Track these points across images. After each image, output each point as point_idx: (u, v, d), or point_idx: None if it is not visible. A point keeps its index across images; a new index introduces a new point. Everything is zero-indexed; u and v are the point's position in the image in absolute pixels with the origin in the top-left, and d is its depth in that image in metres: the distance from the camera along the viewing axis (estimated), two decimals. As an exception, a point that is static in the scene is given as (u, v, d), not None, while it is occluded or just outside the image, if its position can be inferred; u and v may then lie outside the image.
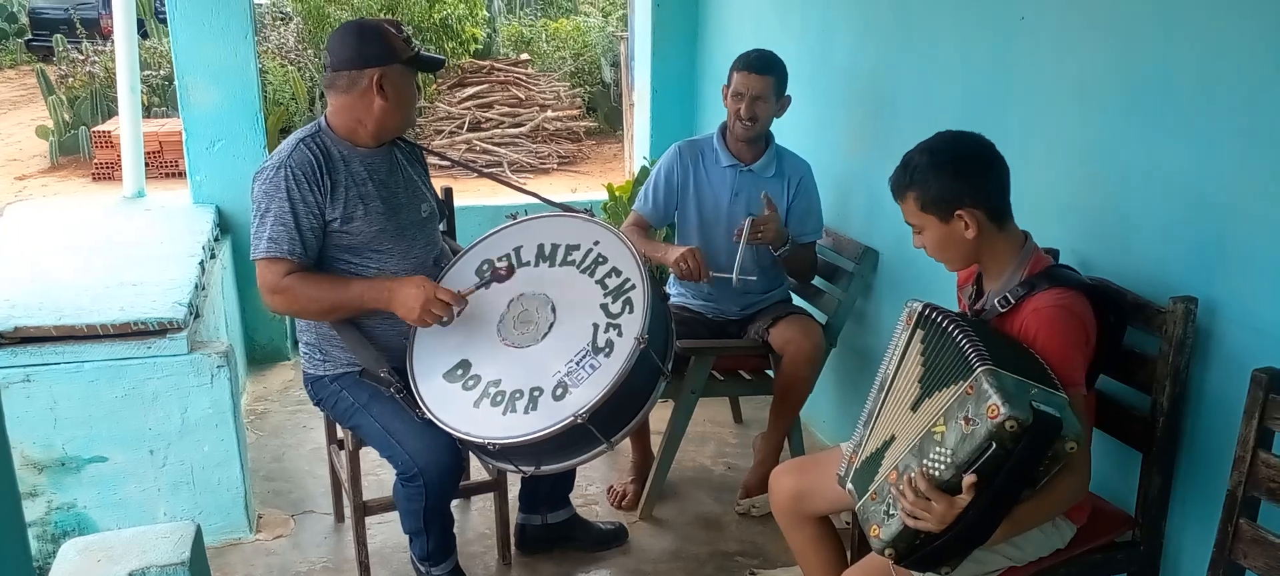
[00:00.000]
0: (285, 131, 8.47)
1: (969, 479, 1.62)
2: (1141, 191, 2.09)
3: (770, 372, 3.10)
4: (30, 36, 16.31)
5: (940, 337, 1.79)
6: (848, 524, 2.40)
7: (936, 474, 1.67)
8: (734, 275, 2.76)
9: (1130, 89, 2.11)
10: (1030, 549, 1.88)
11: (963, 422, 1.64)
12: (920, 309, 1.86)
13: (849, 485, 1.91)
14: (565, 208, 2.53)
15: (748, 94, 2.89)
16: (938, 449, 1.69)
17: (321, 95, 9.02)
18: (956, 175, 1.84)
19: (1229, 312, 1.90)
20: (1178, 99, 1.99)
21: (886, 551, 1.75)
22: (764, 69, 2.90)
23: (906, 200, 1.91)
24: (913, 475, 1.69)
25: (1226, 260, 1.90)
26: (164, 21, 4.34)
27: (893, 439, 1.82)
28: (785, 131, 3.12)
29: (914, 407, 1.80)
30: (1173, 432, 1.96)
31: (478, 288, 2.30)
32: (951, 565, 1.73)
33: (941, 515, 1.65)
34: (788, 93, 2.98)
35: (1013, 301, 1.84)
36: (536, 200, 2.73)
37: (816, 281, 3.27)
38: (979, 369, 1.64)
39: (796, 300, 3.29)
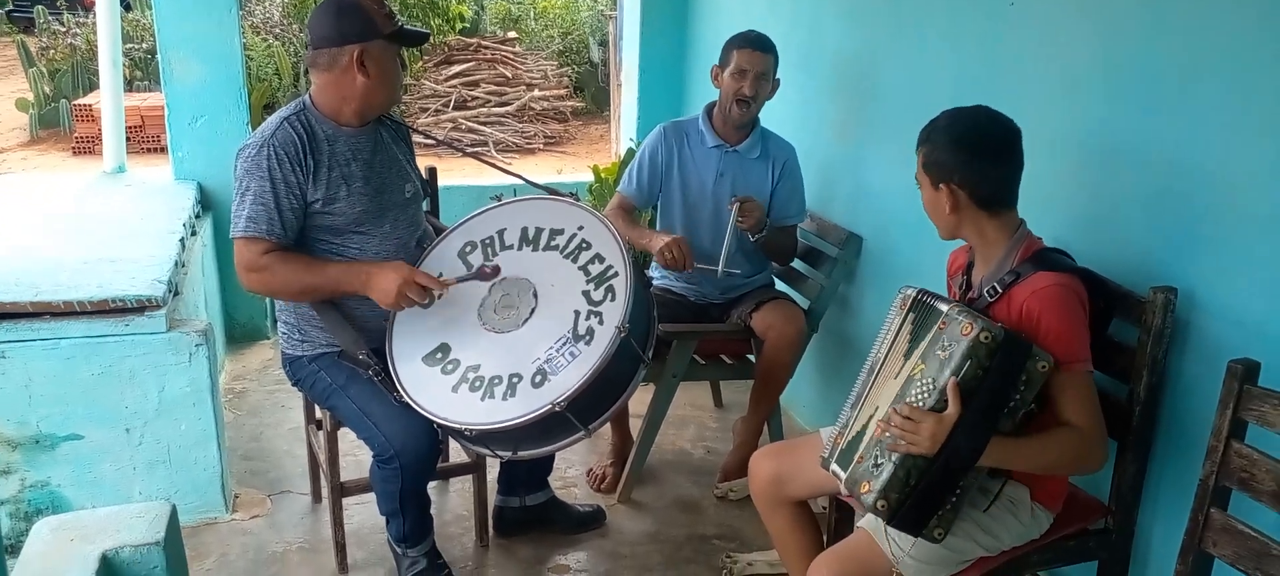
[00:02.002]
0: (269, 107, 8.40)
1: (951, 382, 1.67)
2: (1124, 181, 2.10)
3: (752, 357, 3.10)
4: (11, 7, 16.05)
5: (925, 313, 1.82)
6: (825, 508, 2.41)
7: (921, 404, 1.72)
8: (720, 267, 2.76)
9: (1116, 78, 2.11)
10: (1007, 538, 1.89)
11: (940, 353, 1.73)
12: (914, 294, 1.88)
13: (833, 465, 1.92)
14: (550, 191, 2.51)
15: (752, 71, 2.88)
16: (919, 384, 1.74)
17: (306, 71, 8.93)
18: (954, 149, 1.84)
19: (1207, 304, 1.91)
20: (1161, 89, 1.99)
21: (879, 504, 1.75)
22: (767, 47, 2.92)
23: (919, 154, 1.92)
24: (898, 407, 1.73)
25: (1206, 251, 1.91)
26: (146, -6, 4.30)
27: (877, 410, 1.84)
28: (771, 115, 3.11)
29: (896, 376, 1.83)
30: (1149, 421, 1.98)
31: (463, 279, 2.28)
32: (943, 526, 1.75)
33: (931, 432, 1.68)
34: (777, 75, 2.98)
35: (1001, 290, 1.84)
36: (521, 182, 2.71)
37: (799, 266, 3.28)
38: (948, 308, 1.76)
39: (779, 285, 3.29)
